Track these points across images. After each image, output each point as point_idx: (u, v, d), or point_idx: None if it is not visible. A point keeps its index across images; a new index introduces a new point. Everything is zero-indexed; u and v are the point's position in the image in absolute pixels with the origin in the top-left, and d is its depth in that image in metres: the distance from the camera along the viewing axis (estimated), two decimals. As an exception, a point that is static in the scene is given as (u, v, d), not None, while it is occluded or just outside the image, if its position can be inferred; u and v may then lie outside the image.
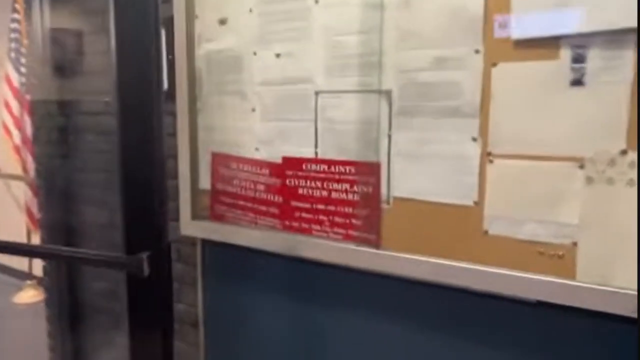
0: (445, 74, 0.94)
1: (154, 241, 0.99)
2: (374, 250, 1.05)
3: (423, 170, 0.98)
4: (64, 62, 1.84)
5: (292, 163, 1.15)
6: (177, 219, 1.37)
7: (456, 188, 0.95)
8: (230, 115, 1.24)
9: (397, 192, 1.02)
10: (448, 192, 0.96)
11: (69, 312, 1.98)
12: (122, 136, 1.02)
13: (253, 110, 1.20)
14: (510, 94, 0.88)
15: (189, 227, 1.34)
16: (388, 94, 1.00)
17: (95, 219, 1.84)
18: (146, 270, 0.97)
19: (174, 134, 1.36)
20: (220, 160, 1.28)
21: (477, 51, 0.90)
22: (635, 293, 0.78)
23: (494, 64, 0.89)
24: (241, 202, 1.25)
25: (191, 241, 1.41)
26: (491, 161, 0.91)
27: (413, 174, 0.99)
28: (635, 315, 0.78)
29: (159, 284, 1.01)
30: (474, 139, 0.92)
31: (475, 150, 0.92)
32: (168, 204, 1.07)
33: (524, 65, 0.86)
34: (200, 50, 1.28)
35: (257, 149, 1.21)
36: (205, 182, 1.32)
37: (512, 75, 0.87)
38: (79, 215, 1.90)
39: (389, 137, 1.01)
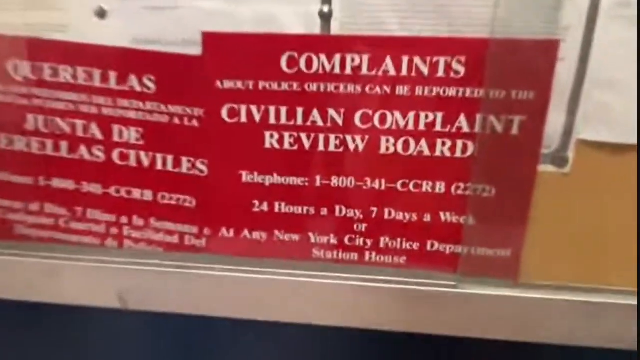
0: None
1: None
2: (510, 293, 0.38)
3: None
4: None
5: (237, 50, 0.36)
6: None
7: None
8: None
9: (597, 131, 0.35)
10: None
11: None
12: None
13: None
14: None
15: None
16: None
17: None
18: None
19: None
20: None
21: None
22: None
23: None
24: (61, 184, 0.42)
25: None
26: None
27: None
28: None
29: None
30: None
31: None
32: None
33: None
34: None
35: (101, 14, 0.37)
36: None
37: None
38: None
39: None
